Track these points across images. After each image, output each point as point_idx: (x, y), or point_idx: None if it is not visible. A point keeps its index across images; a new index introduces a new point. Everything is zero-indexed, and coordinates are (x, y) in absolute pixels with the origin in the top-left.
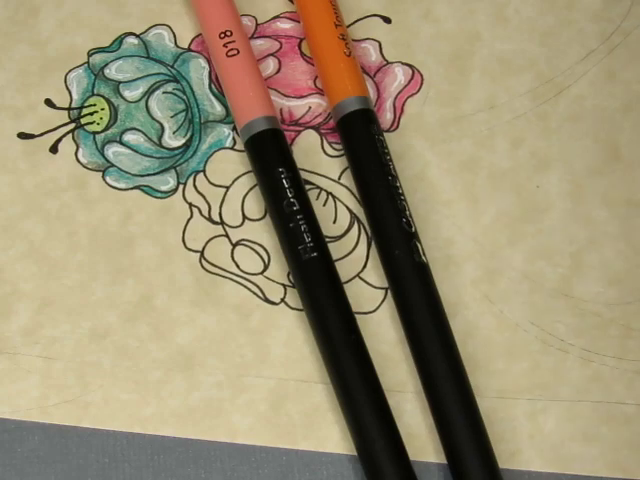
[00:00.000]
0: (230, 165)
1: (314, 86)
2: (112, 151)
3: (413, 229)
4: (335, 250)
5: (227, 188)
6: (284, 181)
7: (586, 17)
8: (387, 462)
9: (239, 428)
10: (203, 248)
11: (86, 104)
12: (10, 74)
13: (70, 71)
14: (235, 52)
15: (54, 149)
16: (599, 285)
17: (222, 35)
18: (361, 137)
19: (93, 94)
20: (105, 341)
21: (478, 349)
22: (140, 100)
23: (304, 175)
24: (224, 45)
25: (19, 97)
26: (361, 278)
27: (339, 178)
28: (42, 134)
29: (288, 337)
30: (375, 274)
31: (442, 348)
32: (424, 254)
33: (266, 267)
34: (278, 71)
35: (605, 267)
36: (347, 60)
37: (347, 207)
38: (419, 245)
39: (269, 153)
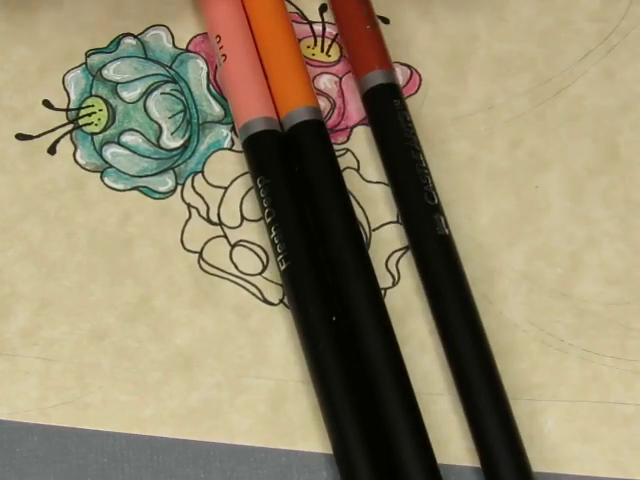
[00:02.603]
0: (228, 166)
1: (313, 86)
2: (110, 152)
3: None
4: None
5: (225, 189)
6: (261, 191)
7: (584, 17)
8: (362, 462)
9: (238, 429)
10: (202, 249)
11: (84, 105)
12: (8, 75)
13: (68, 72)
14: (224, 58)
15: (52, 150)
16: (598, 285)
17: (216, 41)
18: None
19: (91, 95)
20: (104, 342)
21: None
22: (138, 101)
23: None
24: (218, 51)
25: (17, 98)
26: None
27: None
28: (40, 135)
29: (287, 338)
30: (377, 277)
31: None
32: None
33: (265, 268)
34: None
35: (604, 267)
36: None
37: None
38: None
39: (250, 161)
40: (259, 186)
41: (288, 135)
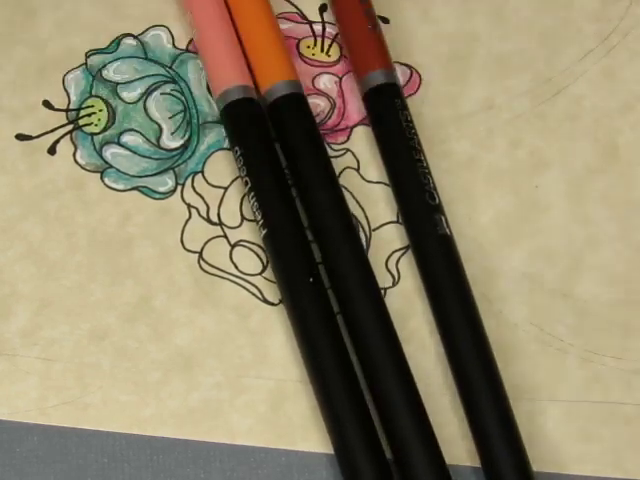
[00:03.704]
0: (228, 166)
1: (312, 86)
2: (110, 152)
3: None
4: None
5: (225, 189)
6: (238, 160)
7: (584, 17)
8: (363, 460)
9: (238, 429)
10: (202, 249)
11: (84, 105)
12: (8, 75)
13: (68, 72)
14: (195, 32)
15: (52, 150)
16: (599, 285)
17: (189, 17)
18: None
19: (91, 95)
20: (104, 342)
21: None
22: (138, 101)
23: None
24: (192, 27)
25: (17, 99)
26: None
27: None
28: (40, 135)
29: (287, 338)
30: (375, 275)
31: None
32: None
33: (264, 268)
34: None
35: (604, 267)
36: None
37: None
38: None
39: (227, 131)
40: (236, 155)
41: (270, 109)
